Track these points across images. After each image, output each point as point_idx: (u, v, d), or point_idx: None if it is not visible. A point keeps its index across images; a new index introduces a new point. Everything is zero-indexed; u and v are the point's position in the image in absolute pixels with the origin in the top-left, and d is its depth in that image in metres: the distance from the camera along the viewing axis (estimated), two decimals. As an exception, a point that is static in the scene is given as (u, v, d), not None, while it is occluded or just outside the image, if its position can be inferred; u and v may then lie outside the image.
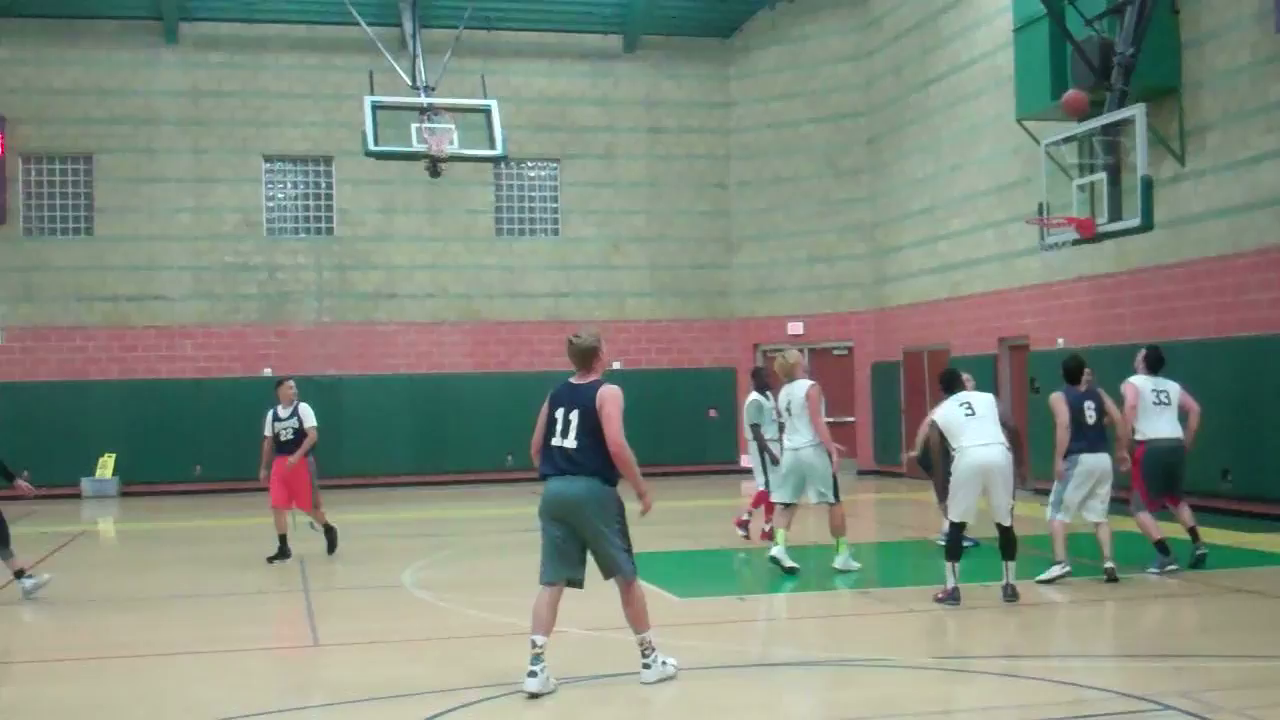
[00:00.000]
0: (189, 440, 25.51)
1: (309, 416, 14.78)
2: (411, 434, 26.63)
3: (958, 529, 10.82)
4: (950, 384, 11.45)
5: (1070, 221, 17.39)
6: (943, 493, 13.54)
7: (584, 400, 7.86)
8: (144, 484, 25.20)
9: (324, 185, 27.04)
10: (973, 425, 10.70)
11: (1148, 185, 16.32)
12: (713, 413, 27.33)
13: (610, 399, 7.83)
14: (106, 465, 25.21)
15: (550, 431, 7.92)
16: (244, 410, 25.76)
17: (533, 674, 7.73)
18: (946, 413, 10.94)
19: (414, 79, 23.39)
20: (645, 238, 28.23)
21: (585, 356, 8.02)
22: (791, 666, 8.84)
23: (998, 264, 22.34)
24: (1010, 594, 10.57)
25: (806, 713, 7.90)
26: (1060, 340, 20.36)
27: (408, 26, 24.69)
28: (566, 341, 8.16)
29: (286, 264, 26.65)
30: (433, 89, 23.22)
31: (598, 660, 8.86)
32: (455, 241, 27.34)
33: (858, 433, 26.70)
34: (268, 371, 26.01)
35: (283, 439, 14.71)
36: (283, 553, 14.56)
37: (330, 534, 15.17)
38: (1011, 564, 10.68)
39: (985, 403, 10.92)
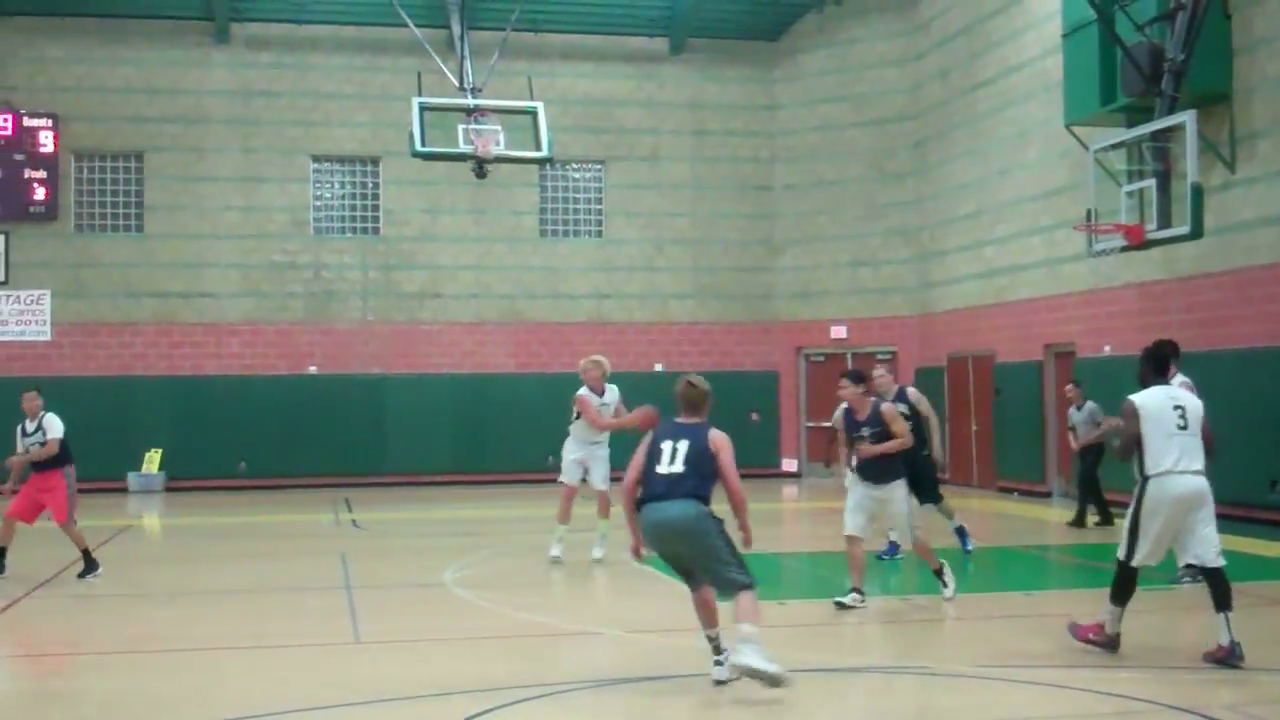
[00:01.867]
0: (234, 436, 25.70)
1: (54, 427, 13.71)
2: (453, 433, 26.73)
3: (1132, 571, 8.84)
4: (1161, 365, 9.15)
5: (1119, 228, 17.27)
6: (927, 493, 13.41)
7: (694, 436, 8.18)
8: (189, 479, 25.40)
9: (371, 185, 27.18)
10: (1180, 443, 8.57)
11: (1198, 192, 16.18)
12: (755, 416, 27.31)
13: (726, 445, 8.16)
14: (153, 460, 25.43)
15: (654, 462, 8.15)
16: (289, 407, 26.06)
17: (718, 663, 7.99)
18: (1153, 410, 8.70)
19: (461, 80, 23.47)
20: (688, 240, 28.23)
21: (700, 401, 8.34)
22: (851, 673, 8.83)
23: (1044, 270, 22.21)
24: (1233, 655, 8.36)
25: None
26: (1106, 348, 20.23)
27: (455, 28, 24.79)
28: (685, 384, 8.39)
29: (333, 263, 26.81)
30: (479, 90, 23.30)
31: (650, 662, 8.87)
32: (499, 242, 27.43)
33: (900, 438, 26.58)
34: (313, 369, 26.23)
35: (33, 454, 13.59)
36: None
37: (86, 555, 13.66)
38: (1229, 615, 8.49)
39: (1195, 414, 8.76)
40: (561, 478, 14.38)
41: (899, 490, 10.97)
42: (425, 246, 27.13)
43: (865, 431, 10.91)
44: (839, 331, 27.54)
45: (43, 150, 25.55)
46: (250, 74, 26.68)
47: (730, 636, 7.89)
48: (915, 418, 13.13)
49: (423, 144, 22.49)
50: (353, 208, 27.24)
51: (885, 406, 11.08)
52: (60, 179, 25.72)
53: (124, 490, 24.97)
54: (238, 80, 26.64)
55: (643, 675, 8.48)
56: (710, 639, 8.11)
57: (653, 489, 8.08)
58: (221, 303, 26.34)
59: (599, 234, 28.09)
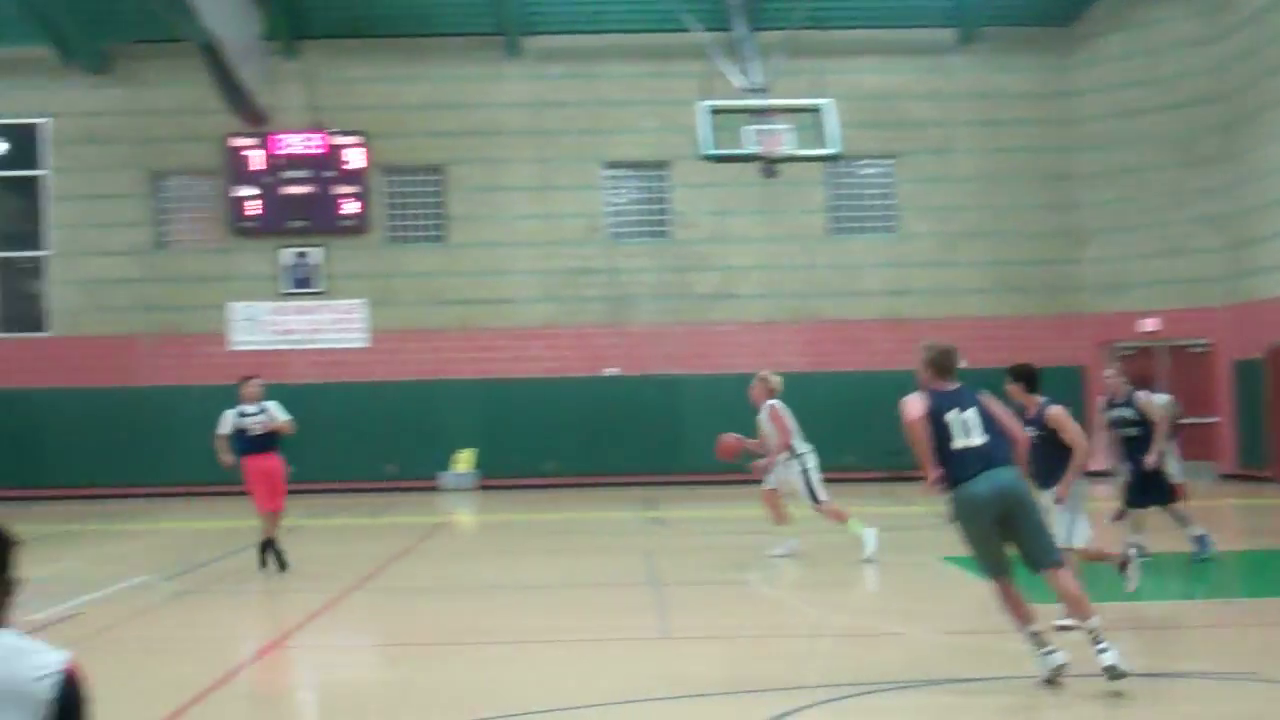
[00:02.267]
0: (539, 436, 26.44)
1: (282, 411, 14.73)
2: (747, 432, 26.79)
3: None
4: None
5: None
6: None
7: (972, 401, 8.00)
8: (499, 478, 26.27)
9: (661, 190, 27.60)
10: None
11: None
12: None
13: (992, 398, 8.08)
14: (464, 460, 26.40)
15: (947, 436, 7.90)
16: (589, 408, 26.66)
17: (1050, 654, 7.79)
18: None
19: (747, 81, 23.59)
20: (983, 233, 27.65)
21: (955, 364, 8.16)
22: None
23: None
24: None
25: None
26: None
27: (739, 30, 24.93)
28: (940, 350, 8.18)
29: (627, 267, 27.33)
30: (765, 90, 23.36)
31: (958, 662, 8.78)
32: (789, 241, 27.45)
33: (1219, 434, 25.48)
34: (611, 371, 26.77)
35: (255, 434, 14.48)
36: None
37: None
38: None
39: None
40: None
41: (1046, 498, 9.82)
42: (716, 248, 27.37)
43: (1030, 431, 10.30)
44: (1148, 324, 26.50)
45: (352, 167, 26.87)
46: (542, 85, 27.44)
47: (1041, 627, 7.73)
48: (1142, 423, 12.72)
49: (711, 147, 22.69)
50: (645, 212, 27.71)
51: (1053, 409, 10.50)
52: (370, 193, 26.98)
53: (435, 489, 26.00)
54: (530, 92, 27.44)
55: (951, 676, 8.38)
56: (1032, 635, 7.88)
57: (966, 465, 7.82)
58: (522, 308, 27.16)
59: (890, 230, 27.80)
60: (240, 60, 23.65)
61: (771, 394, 15.04)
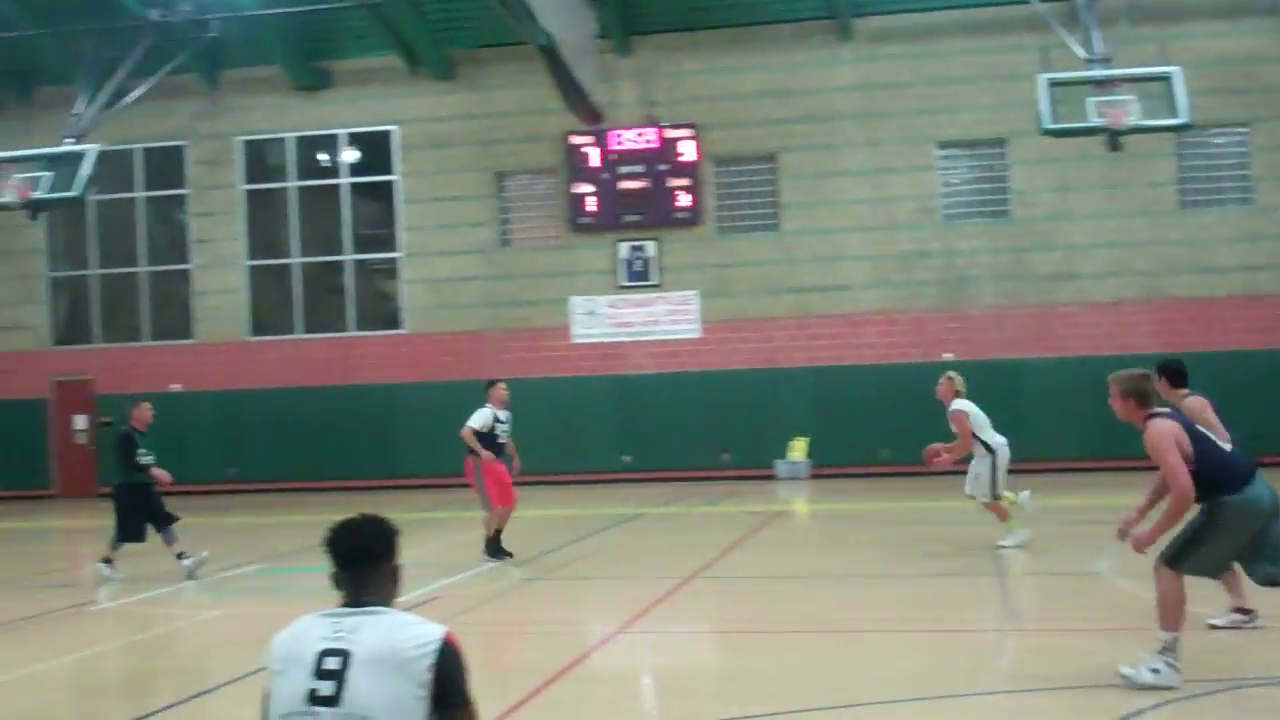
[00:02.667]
0: (875, 424, 26.17)
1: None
2: (1089, 418, 25.81)
3: None
4: None
5: None
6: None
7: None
8: (833, 466, 26.16)
9: (998, 168, 26.88)
10: None
11: None
12: None
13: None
14: (798, 448, 26.40)
15: (1213, 447, 7.88)
16: (927, 393, 26.13)
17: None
18: None
19: (1088, 52, 22.72)
20: (1351, 201, 25.79)
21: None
22: None
23: None
24: None
25: None
26: None
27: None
28: (1145, 377, 8.33)
29: (963, 249, 26.74)
30: (1108, 61, 22.44)
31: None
32: (1136, 217, 26.27)
33: None
34: (947, 356, 26.25)
35: (500, 441, 14.88)
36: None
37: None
38: None
39: None
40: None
41: None
42: (1057, 226, 26.47)
43: None
44: None
45: (685, 159, 27.21)
46: (874, 67, 27.11)
47: None
48: None
49: (1051, 121, 21.97)
50: (981, 192, 27.04)
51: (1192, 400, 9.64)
52: (702, 185, 27.28)
53: (772, 478, 26.09)
54: (862, 75, 27.16)
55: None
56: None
57: (1241, 470, 7.80)
58: (855, 294, 26.94)
59: (1246, 201, 26.26)
60: (577, 60, 24.29)
61: (957, 394, 14.68)
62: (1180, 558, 7.84)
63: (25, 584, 14.86)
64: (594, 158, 27.35)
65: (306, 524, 15.73)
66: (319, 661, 3.72)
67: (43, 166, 22.46)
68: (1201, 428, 8.10)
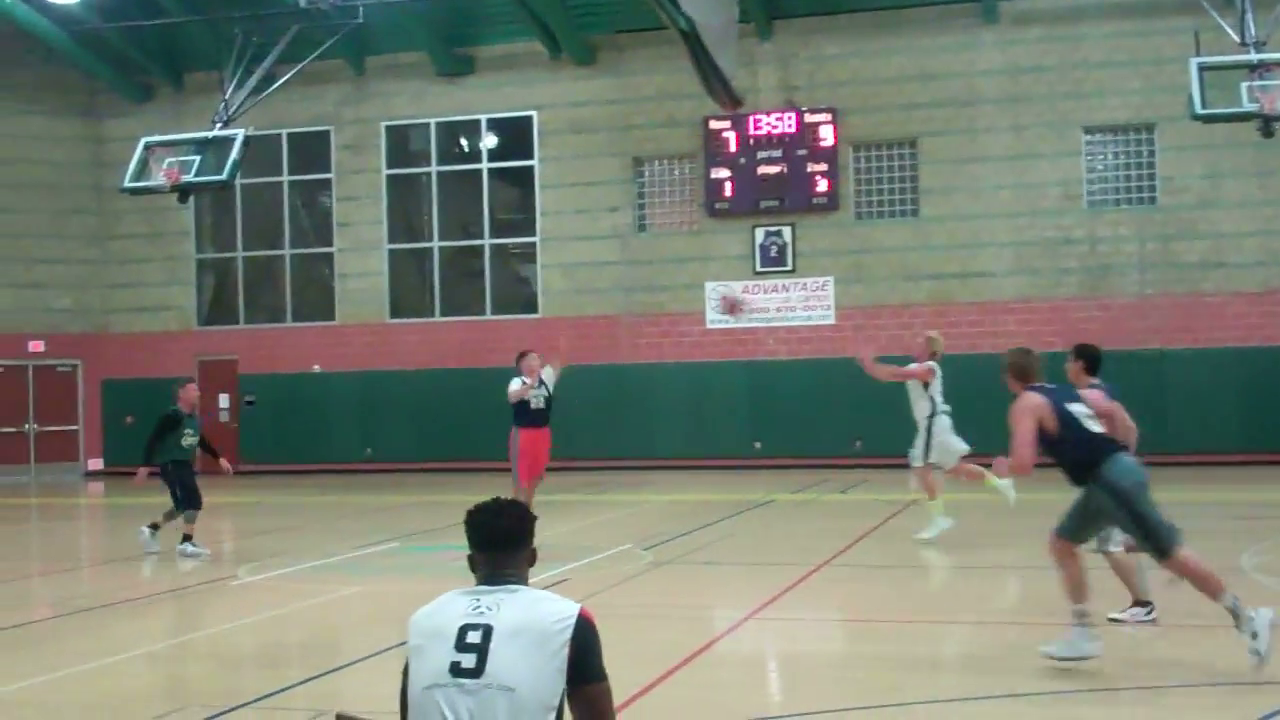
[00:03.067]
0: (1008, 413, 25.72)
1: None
2: (1239, 410, 25.23)
3: None
4: None
5: None
6: None
7: (1079, 397, 8.63)
8: (970, 456, 25.69)
9: (1145, 154, 26.25)
10: None
11: None
12: None
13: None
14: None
15: (1079, 425, 8.26)
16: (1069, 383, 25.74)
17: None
18: None
19: (1242, 35, 22.04)
20: None
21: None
22: None
23: None
24: None
25: None
26: None
27: (1234, -20, 23.32)
28: (1027, 352, 8.73)
29: (1107, 236, 26.17)
30: (1263, 44, 21.74)
31: None
32: (1290, 205, 25.49)
33: None
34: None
35: (534, 406, 14.68)
36: None
37: None
38: None
39: None
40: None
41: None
42: (1206, 214, 25.78)
43: None
44: None
45: (823, 144, 27.01)
46: (1019, 50, 26.63)
47: None
48: None
49: (1202, 106, 21.36)
50: (1126, 178, 26.44)
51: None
52: (840, 170, 27.05)
53: (905, 466, 25.72)
54: (1006, 58, 26.70)
55: None
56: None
57: (1107, 445, 8.31)
58: (996, 281, 26.52)
59: None
60: (718, 44, 24.19)
61: (933, 355, 15.53)
62: (1067, 530, 8.43)
63: (167, 558, 15.27)
64: (732, 143, 27.29)
65: (441, 504, 15.98)
66: (461, 635, 3.83)
67: (192, 151, 22.99)
68: (1080, 411, 8.36)
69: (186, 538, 15.01)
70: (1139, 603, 9.53)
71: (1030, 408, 8.19)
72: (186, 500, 15.02)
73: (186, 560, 14.65)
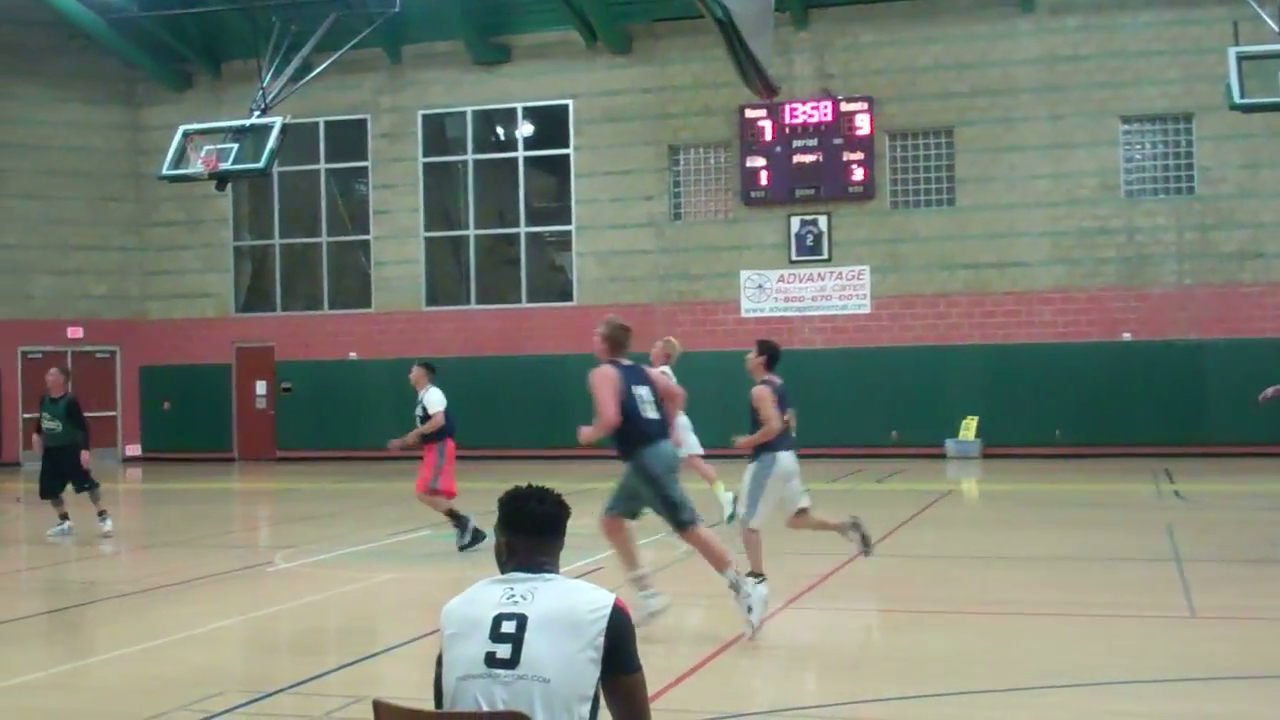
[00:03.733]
0: (1048, 404, 25.67)
1: (434, 402, 14.28)
2: (1277, 401, 24.97)
3: None
4: None
5: None
6: None
7: (647, 379, 9.56)
8: (1003, 446, 25.72)
9: (1183, 143, 26.05)
10: None
11: None
12: None
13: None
14: (969, 427, 26.00)
15: (638, 407, 9.23)
16: (1101, 374, 25.64)
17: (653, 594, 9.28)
18: None
19: (1281, 24, 21.85)
20: None
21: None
22: None
23: None
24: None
25: None
26: None
27: (1275, -33, 23.11)
28: (621, 326, 9.52)
29: (1144, 226, 25.99)
30: (1303, 32, 21.53)
31: None
32: (1330, 195, 25.26)
33: None
34: (1126, 336, 25.63)
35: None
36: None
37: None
38: None
39: None
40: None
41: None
42: (1244, 204, 25.57)
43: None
44: None
45: (859, 133, 26.92)
46: (1056, 40, 26.47)
47: None
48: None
49: (1241, 96, 21.18)
50: (1164, 168, 26.24)
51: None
52: (876, 159, 26.95)
53: (942, 456, 25.76)
54: (1044, 47, 26.53)
55: None
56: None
57: (651, 430, 9.28)
58: (1032, 271, 26.39)
59: None
60: (753, 33, 24.12)
61: (668, 358, 15.75)
62: (614, 504, 9.48)
63: (205, 544, 15.40)
64: (768, 131, 27.23)
65: (475, 491, 16.03)
66: (496, 625, 3.81)
67: (230, 139, 23.10)
68: (642, 395, 9.27)
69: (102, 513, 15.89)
70: (754, 574, 9.94)
71: (609, 377, 9.21)
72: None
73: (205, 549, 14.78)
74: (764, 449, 10.50)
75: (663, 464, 9.28)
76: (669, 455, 9.39)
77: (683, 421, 15.28)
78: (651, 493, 9.29)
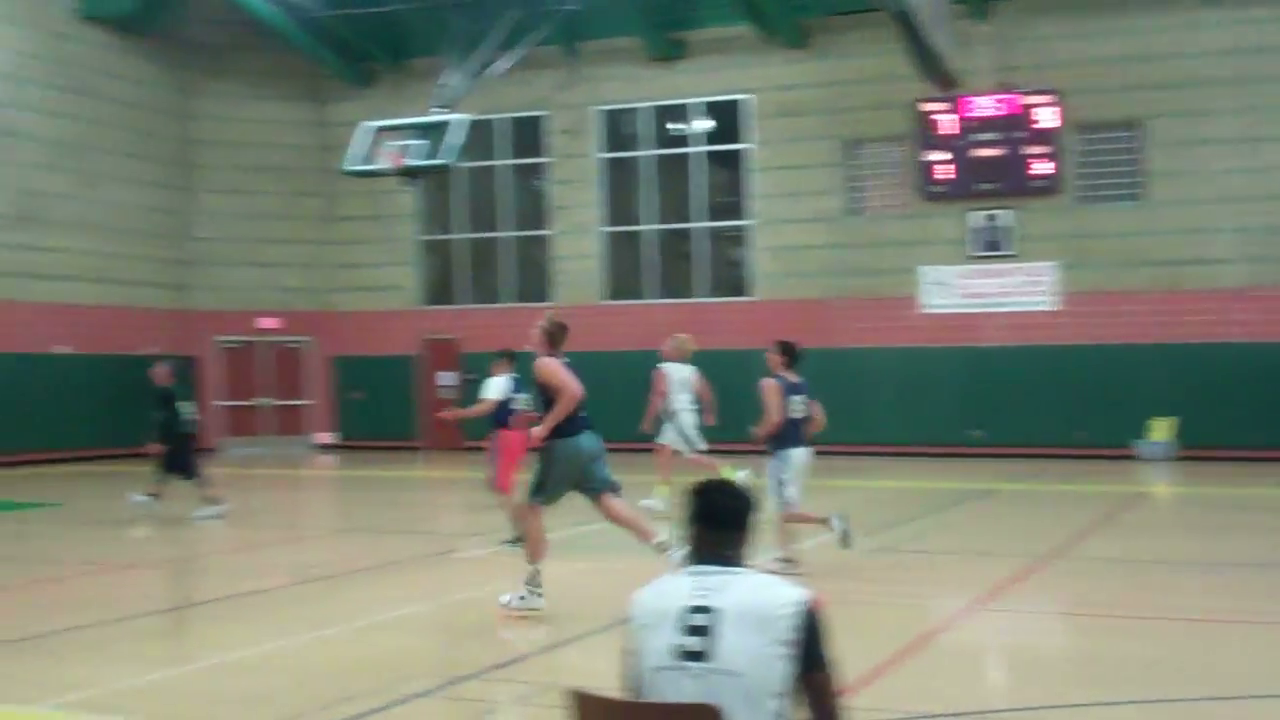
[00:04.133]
0: (1246, 405, 24.76)
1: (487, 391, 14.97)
2: None
3: None
4: None
5: None
6: None
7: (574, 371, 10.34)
8: (1198, 448, 24.87)
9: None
10: None
11: None
12: None
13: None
14: (1160, 428, 25.19)
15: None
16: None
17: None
18: None
19: None
20: None
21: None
22: None
23: None
24: None
25: None
26: None
27: None
28: (559, 323, 10.59)
29: (1345, 221, 24.98)
30: None
31: None
32: None
33: None
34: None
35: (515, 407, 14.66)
36: None
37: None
38: None
39: None
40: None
41: None
42: None
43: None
44: None
45: (1043, 126, 26.37)
46: (1246, 30, 25.54)
47: None
48: None
49: None
50: (1366, 160, 25.20)
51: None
52: (1062, 153, 26.38)
53: (1130, 458, 25.07)
54: (1233, 38, 25.61)
55: None
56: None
57: (578, 421, 10.18)
58: (1226, 268, 25.53)
59: None
60: (932, 26, 23.85)
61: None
62: (534, 492, 10.13)
63: (392, 531, 15.76)
64: (946, 125, 26.86)
65: (653, 484, 16.16)
66: (685, 618, 3.82)
67: (415, 135, 23.56)
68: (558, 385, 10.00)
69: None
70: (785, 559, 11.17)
71: (558, 366, 10.26)
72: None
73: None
74: (778, 446, 11.13)
75: (572, 451, 10.18)
76: (578, 447, 10.16)
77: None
78: (541, 467, 10.17)
